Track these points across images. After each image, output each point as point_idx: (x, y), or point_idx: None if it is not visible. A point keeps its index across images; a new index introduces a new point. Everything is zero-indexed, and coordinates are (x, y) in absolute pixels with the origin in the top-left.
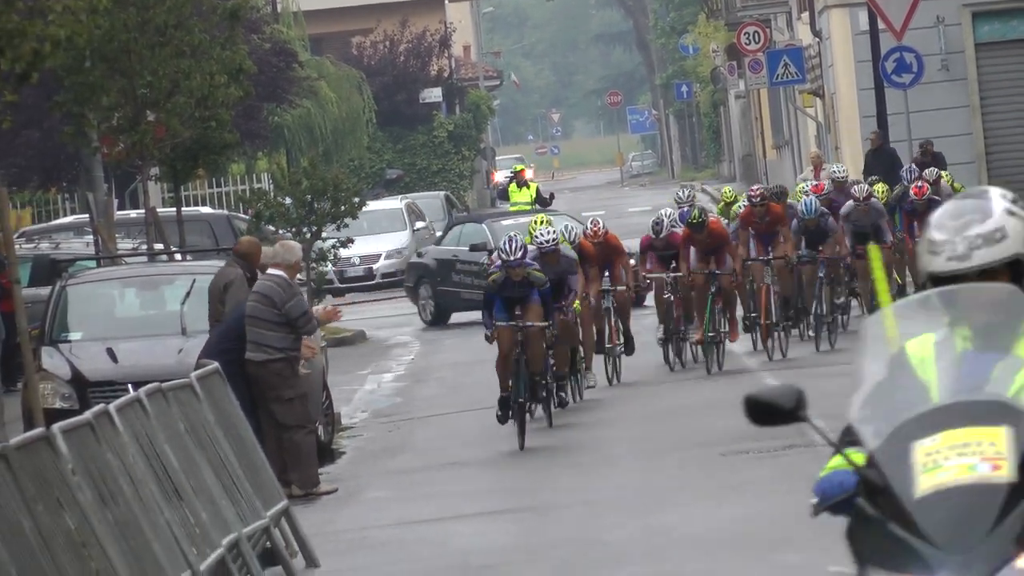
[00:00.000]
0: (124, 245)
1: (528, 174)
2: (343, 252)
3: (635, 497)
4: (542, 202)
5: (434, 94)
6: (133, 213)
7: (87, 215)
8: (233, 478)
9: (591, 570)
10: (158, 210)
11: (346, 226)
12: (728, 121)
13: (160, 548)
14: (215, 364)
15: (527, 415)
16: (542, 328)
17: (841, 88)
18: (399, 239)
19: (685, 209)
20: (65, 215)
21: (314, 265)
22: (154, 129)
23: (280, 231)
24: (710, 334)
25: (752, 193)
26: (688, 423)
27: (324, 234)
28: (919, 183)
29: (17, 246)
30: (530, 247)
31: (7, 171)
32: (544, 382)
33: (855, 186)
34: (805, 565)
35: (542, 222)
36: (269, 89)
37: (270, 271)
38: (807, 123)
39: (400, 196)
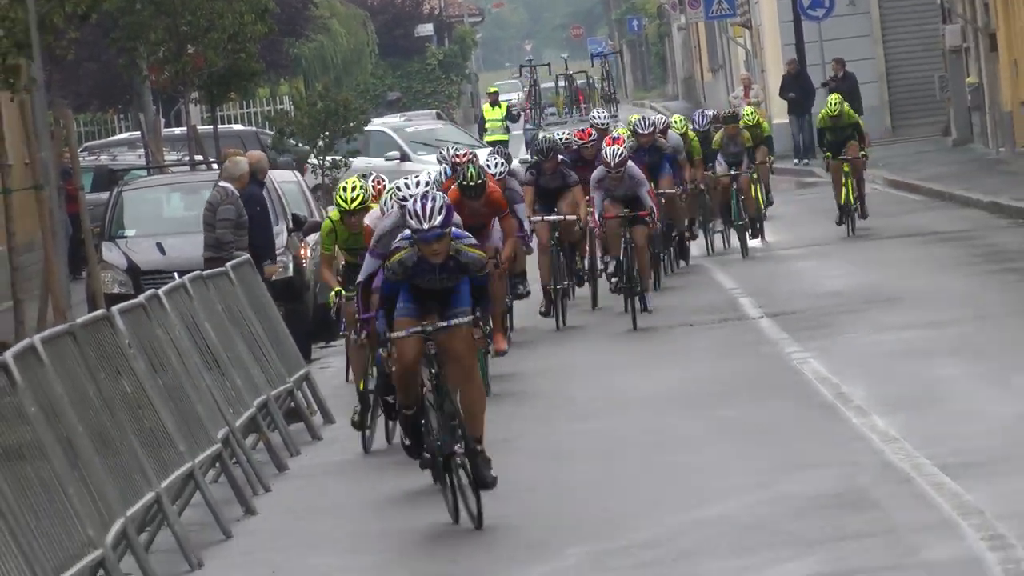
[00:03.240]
0: (170, 157)
1: (502, 97)
2: (353, 161)
3: (595, 364)
4: (511, 118)
5: (427, 29)
6: (177, 130)
7: (139, 132)
8: (262, 349)
9: (562, 423)
10: (197, 127)
11: (355, 139)
12: (672, 49)
13: (202, 408)
14: (246, 255)
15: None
16: (469, 331)
17: (765, 21)
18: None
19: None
20: (120, 132)
21: (328, 171)
22: (194, 60)
23: (299, 144)
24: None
25: (458, 158)
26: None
27: (337, 145)
28: (584, 127)
29: (81, 159)
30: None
31: (71, 96)
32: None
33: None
34: (739, 417)
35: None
36: (289, 26)
37: (220, 184)
38: (737, 50)
39: (399, 114)
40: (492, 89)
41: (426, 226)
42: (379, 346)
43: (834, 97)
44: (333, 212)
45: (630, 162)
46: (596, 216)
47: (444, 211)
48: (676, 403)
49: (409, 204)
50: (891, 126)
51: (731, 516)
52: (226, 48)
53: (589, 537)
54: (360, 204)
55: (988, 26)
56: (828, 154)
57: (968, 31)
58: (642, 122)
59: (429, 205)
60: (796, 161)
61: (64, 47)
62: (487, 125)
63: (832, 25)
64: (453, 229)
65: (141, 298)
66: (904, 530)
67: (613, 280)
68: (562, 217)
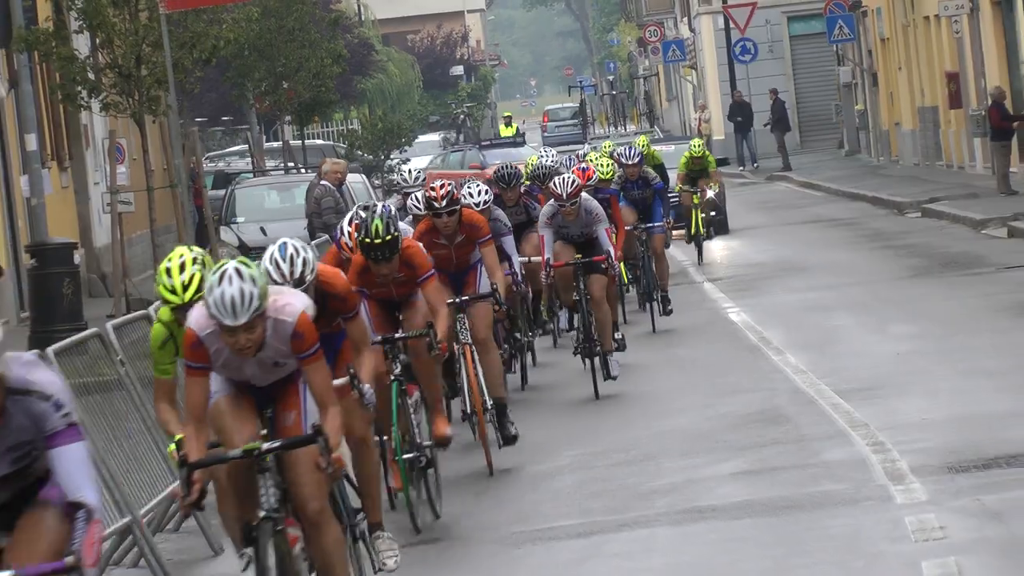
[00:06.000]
0: (269, 164)
1: (513, 120)
2: (404, 167)
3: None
4: (519, 135)
5: (458, 70)
6: (274, 144)
7: (247, 145)
8: None
9: (554, 365)
10: (290, 142)
11: (405, 150)
12: (635, 85)
13: None
14: (325, 237)
15: None
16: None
17: (707, 64)
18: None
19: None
20: (233, 146)
21: (386, 174)
22: (287, 92)
23: (363, 155)
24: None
25: (433, 195)
26: None
27: (392, 155)
28: (583, 165)
29: (204, 165)
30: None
31: (197, 120)
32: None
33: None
34: (689, 355)
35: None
36: (357, 67)
37: (321, 182)
38: (687, 85)
39: (438, 132)
40: (506, 114)
41: None
42: None
43: (696, 141)
44: (163, 310)
45: (585, 194)
46: (544, 257)
47: None
48: (642, 344)
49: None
50: (800, 142)
51: (682, 428)
52: (311, 84)
53: (577, 443)
54: (197, 293)
55: (871, 68)
56: (682, 187)
57: (856, 71)
58: (627, 151)
59: None
60: (741, 168)
61: (192, 83)
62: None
63: (757, 66)
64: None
65: None
66: (809, 438)
67: (564, 332)
68: (526, 259)
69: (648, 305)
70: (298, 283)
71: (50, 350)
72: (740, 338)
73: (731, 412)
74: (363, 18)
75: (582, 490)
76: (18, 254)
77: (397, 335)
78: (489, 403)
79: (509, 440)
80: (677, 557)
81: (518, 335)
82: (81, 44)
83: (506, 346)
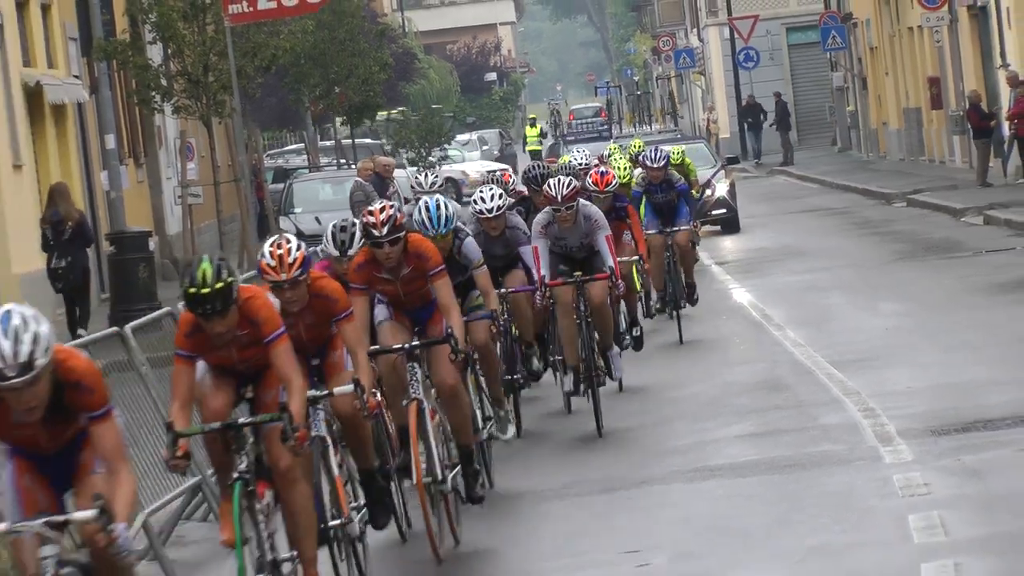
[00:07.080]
0: (323, 160)
1: (538, 121)
2: (444, 164)
3: None
4: (542, 135)
5: (492, 76)
6: (328, 143)
7: (303, 144)
8: None
9: None
10: (342, 141)
11: (445, 149)
12: (653, 88)
13: None
14: None
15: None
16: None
17: (715, 70)
18: (474, 156)
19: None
20: (291, 144)
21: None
22: (339, 97)
23: (407, 152)
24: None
25: (372, 220)
26: None
27: (433, 152)
28: (602, 169)
29: (264, 161)
30: None
31: (258, 121)
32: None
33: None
34: (699, 331)
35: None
36: (402, 73)
37: (355, 179)
38: (696, 89)
39: (474, 132)
40: (532, 115)
41: None
42: None
43: (677, 148)
44: None
45: (583, 200)
46: (540, 273)
47: None
48: (655, 322)
49: None
50: (798, 139)
51: (695, 395)
52: (360, 89)
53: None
54: None
55: (861, 73)
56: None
57: (848, 76)
58: (652, 153)
59: None
60: (755, 161)
61: (253, 88)
62: (528, 139)
63: (759, 72)
64: None
65: None
66: (807, 405)
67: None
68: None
69: (675, 314)
70: (24, 369)
71: (127, 327)
72: (744, 315)
73: (737, 381)
74: (407, 30)
75: (604, 451)
76: (99, 241)
77: (242, 420)
78: (446, 472)
79: (474, 500)
80: (689, 510)
81: (535, 360)
82: (155, 54)
83: (522, 369)
